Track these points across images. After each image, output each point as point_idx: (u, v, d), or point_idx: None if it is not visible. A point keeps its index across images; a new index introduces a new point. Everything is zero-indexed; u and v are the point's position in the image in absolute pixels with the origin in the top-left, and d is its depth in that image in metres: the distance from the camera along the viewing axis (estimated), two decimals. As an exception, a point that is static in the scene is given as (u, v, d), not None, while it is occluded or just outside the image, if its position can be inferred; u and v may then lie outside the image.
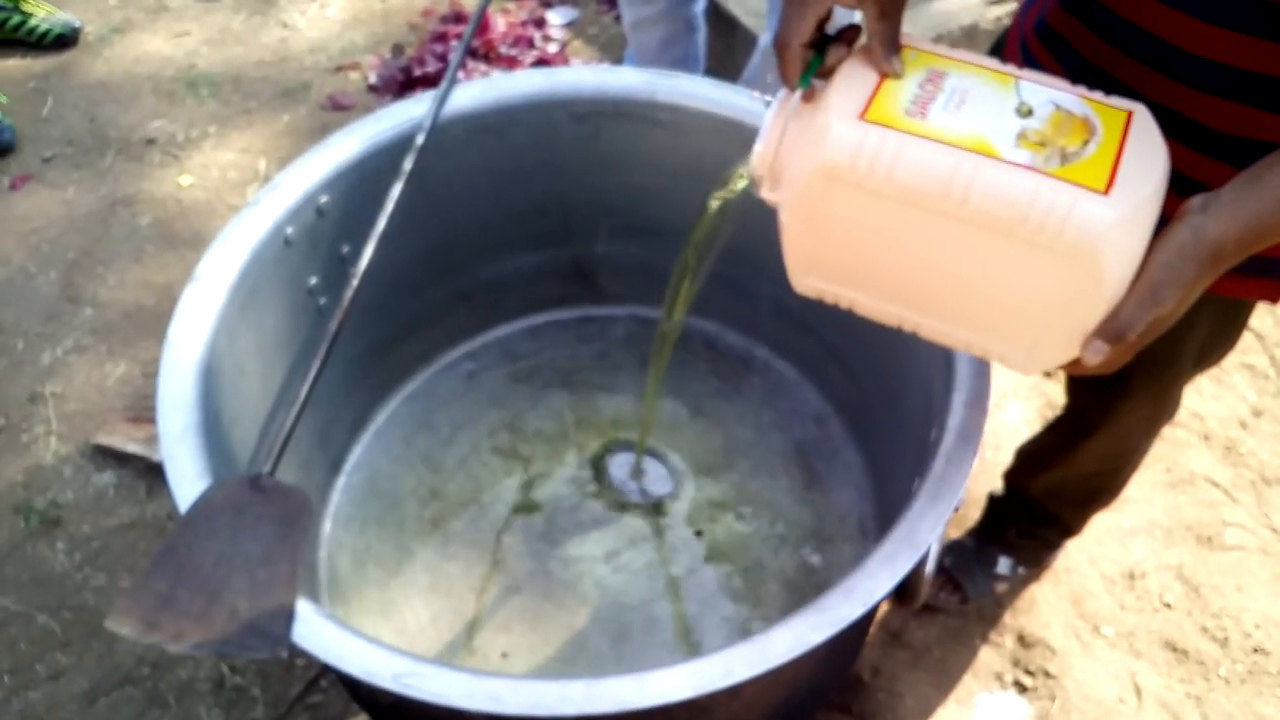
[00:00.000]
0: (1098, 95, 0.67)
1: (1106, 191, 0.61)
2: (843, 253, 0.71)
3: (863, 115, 0.65)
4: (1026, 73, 0.69)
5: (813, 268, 0.74)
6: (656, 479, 1.34)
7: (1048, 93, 0.67)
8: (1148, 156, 0.64)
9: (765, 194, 0.72)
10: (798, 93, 0.70)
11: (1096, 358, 0.65)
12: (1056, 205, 0.61)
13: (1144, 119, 0.66)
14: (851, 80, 0.68)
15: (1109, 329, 0.63)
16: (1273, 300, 0.88)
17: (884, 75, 0.68)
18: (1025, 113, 0.65)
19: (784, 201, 0.71)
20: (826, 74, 0.69)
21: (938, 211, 0.64)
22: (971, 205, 0.63)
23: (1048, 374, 1.69)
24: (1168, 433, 1.62)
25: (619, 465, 1.35)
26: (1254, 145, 0.63)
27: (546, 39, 2.34)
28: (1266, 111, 0.74)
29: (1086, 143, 0.63)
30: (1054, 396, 1.65)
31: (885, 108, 0.66)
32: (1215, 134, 0.77)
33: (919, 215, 0.65)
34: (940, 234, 0.65)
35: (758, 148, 0.71)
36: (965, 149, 0.63)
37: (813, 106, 0.69)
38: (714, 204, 0.88)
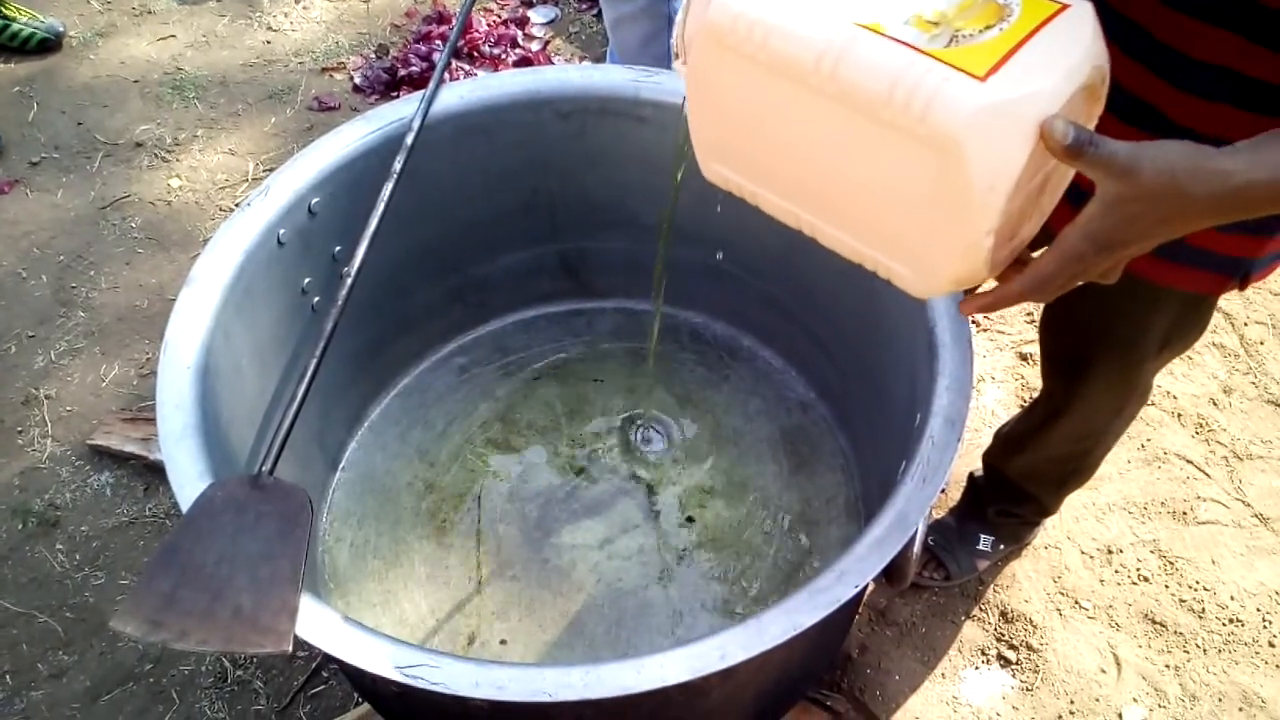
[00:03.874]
0: None
1: (984, 77, 0.54)
2: (737, 135, 0.67)
3: None
4: None
5: (715, 152, 0.71)
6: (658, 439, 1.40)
7: None
8: (1058, 52, 0.57)
9: (678, 67, 0.71)
10: None
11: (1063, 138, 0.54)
12: (922, 85, 0.55)
13: (1077, 15, 0.59)
14: None
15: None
16: (1216, 293, 0.91)
17: None
18: None
19: (685, 73, 0.69)
20: None
21: (810, 87, 0.60)
22: (839, 80, 0.58)
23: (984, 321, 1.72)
24: (1141, 412, 1.65)
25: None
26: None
27: (528, 37, 2.35)
28: (1242, 110, 0.74)
29: (989, 27, 0.57)
30: (1030, 379, 1.69)
31: None
32: (1186, 131, 0.77)
33: (795, 91, 0.61)
34: (815, 114, 0.60)
35: (678, 18, 0.70)
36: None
37: None
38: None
